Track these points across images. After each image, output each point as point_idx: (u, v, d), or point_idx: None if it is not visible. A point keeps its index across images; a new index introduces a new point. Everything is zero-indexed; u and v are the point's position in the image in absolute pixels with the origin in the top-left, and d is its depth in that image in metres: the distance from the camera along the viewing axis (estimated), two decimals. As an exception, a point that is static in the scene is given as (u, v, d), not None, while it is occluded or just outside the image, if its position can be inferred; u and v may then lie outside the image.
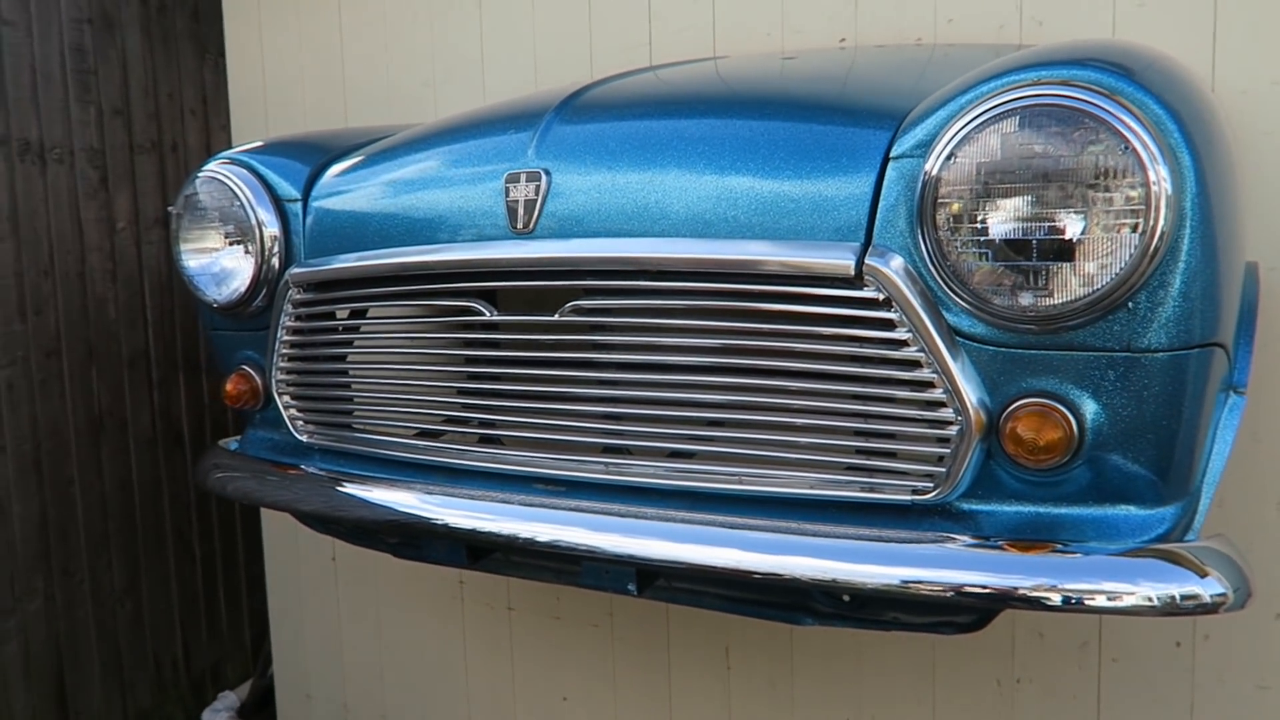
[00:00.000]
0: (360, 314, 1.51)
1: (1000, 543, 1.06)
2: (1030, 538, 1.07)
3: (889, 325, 1.06)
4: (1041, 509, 1.08)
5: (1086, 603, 1.00)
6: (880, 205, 1.08)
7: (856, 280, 1.06)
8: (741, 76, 1.50)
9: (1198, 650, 1.62)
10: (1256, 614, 1.57)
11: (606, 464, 1.26)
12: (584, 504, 1.24)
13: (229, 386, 1.63)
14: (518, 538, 1.25)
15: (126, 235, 2.81)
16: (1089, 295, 0.97)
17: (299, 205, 1.54)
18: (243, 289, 1.55)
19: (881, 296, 1.06)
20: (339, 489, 1.48)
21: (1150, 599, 0.98)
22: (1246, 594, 1.00)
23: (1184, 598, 0.98)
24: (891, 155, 1.08)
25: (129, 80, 2.82)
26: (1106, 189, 0.95)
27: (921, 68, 1.44)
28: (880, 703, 1.88)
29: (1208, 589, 0.98)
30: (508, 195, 1.27)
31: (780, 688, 1.97)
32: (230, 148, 2.77)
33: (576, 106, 1.33)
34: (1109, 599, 0.99)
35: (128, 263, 2.81)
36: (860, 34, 1.77)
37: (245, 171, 1.56)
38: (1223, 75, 1.49)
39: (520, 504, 1.28)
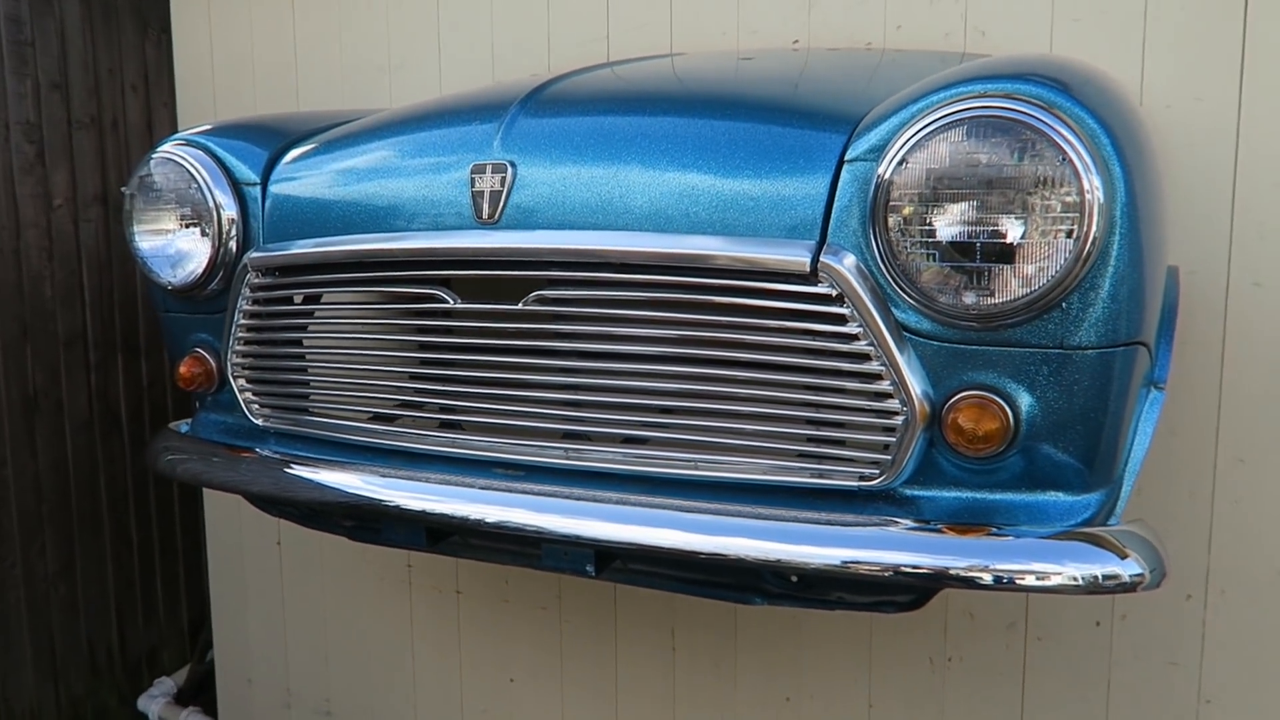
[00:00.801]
0: (317, 299, 1.52)
1: (939, 526, 1.13)
2: (967, 521, 1.14)
3: (841, 320, 1.12)
4: (978, 494, 1.15)
5: (1018, 582, 1.08)
6: (835, 205, 1.13)
7: (811, 276, 1.12)
8: (702, 76, 1.54)
9: (1115, 629, 1.73)
10: (1170, 595, 1.68)
11: (566, 449, 1.30)
12: (543, 488, 1.28)
13: (182, 369, 1.63)
14: (477, 520, 1.28)
15: (64, 213, 2.75)
16: (1027, 295, 1.04)
17: (258, 189, 1.54)
18: (199, 272, 1.55)
19: (835, 292, 1.11)
20: (288, 470, 1.49)
21: (1075, 578, 1.06)
22: (1162, 574, 1.09)
23: (1105, 577, 1.06)
24: (846, 158, 1.14)
25: (67, 54, 2.75)
26: (1044, 197, 1.02)
27: (872, 73, 1.50)
28: (819, 680, 1.95)
29: (1127, 569, 1.06)
30: (473, 186, 1.30)
31: (724, 667, 2.03)
32: (174, 126, 2.74)
33: (541, 100, 1.36)
34: (1038, 578, 1.07)
35: (65, 241, 2.75)
36: (813, 36, 1.82)
37: (202, 154, 1.56)
38: (1150, 90, 1.59)
39: (480, 487, 1.31)
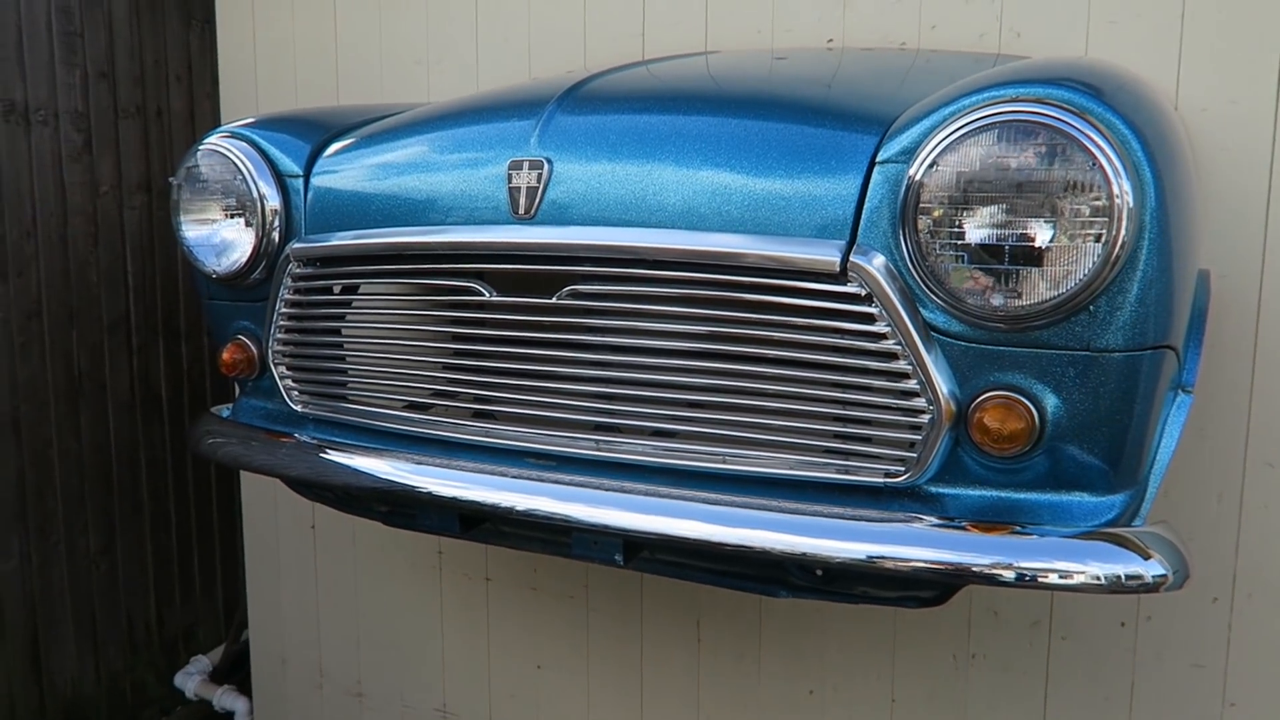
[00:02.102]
0: (356, 289, 1.56)
1: (963, 523, 1.15)
2: (992, 520, 1.16)
3: (870, 319, 1.14)
4: (1002, 493, 1.16)
5: (1040, 580, 1.09)
6: (865, 206, 1.15)
7: (841, 276, 1.14)
8: (736, 75, 1.56)
9: (1140, 630, 1.73)
10: (1195, 597, 1.68)
11: (597, 441, 1.33)
12: (573, 478, 1.31)
13: (225, 355, 1.67)
14: (510, 508, 1.32)
15: (109, 199, 2.82)
16: (1055, 298, 1.05)
17: (300, 181, 1.58)
18: (242, 261, 1.59)
19: (864, 292, 1.13)
20: (324, 456, 1.53)
21: (1098, 578, 1.07)
22: (1185, 576, 1.10)
23: (1128, 577, 1.07)
24: (878, 160, 1.15)
25: (114, 43, 2.81)
26: (1074, 201, 1.03)
27: (906, 74, 1.51)
28: (842, 675, 1.97)
29: (1150, 570, 1.07)
30: (510, 181, 1.33)
31: (748, 660, 2.06)
32: (216, 116, 2.79)
33: (578, 98, 1.39)
34: (1061, 577, 1.09)
35: (110, 227, 2.82)
36: (848, 35, 1.83)
37: (247, 145, 1.60)
38: (1186, 93, 1.58)
39: (511, 476, 1.35)
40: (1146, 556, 1.08)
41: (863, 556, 1.13)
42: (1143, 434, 1.14)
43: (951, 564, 1.11)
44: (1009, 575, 1.09)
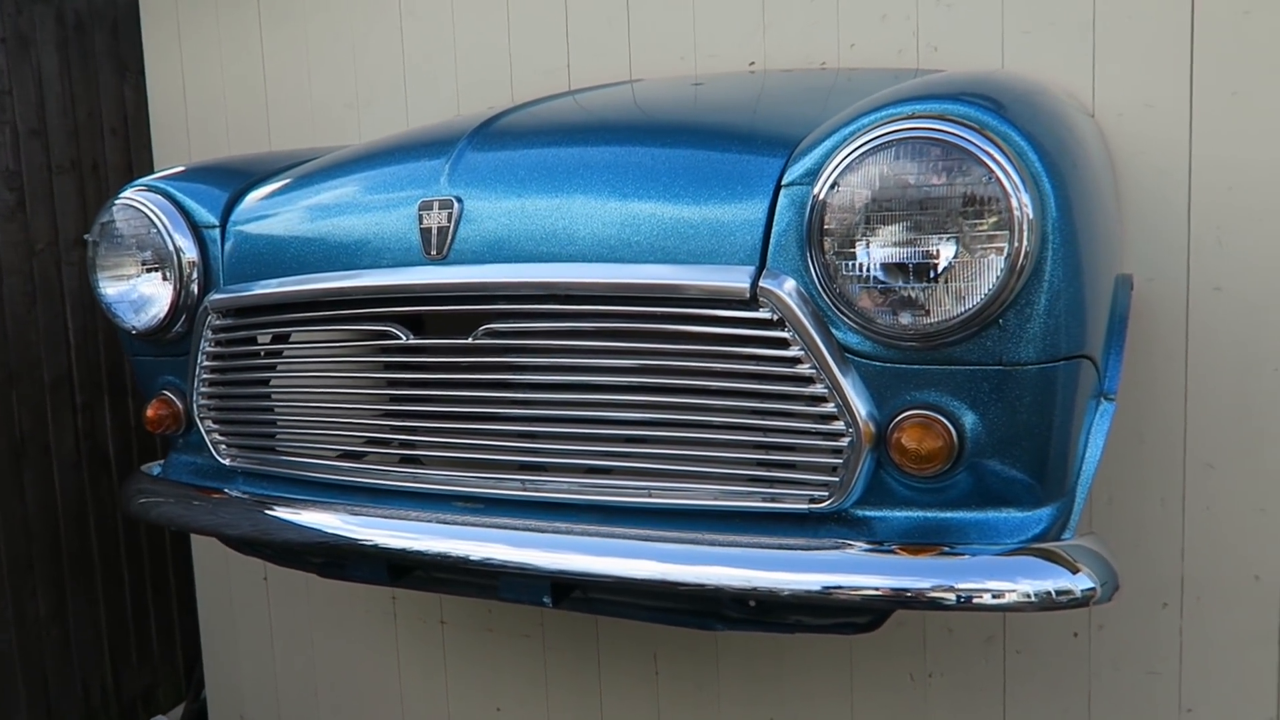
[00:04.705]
0: (282, 338, 1.53)
1: (892, 546, 1.13)
2: (920, 541, 1.14)
3: (783, 344, 1.12)
4: (929, 513, 1.15)
5: (974, 601, 1.07)
6: (774, 230, 1.14)
7: (751, 302, 1.12)
8: (650, 103, 1.56)
9: (1093, 640, 1.71)
10: (1146, 603, 1.67)
11: (523, 481, 1.30)
12: (501, 520, 1.28)
13: (150, 412, 1.64)
14: (439, 555, 1.29)
15: (46, 257, 2.77)
16: (962, 314, 1.04)
17: (217, 231, 1.56)
18: (161, 315, 1.56)
19: (775, 317, 1.12)
20: (267, 512, 1.50)
21: (1029, 595, 1.06)
22: (1114, 588, 1.08)
23: (1058, 593, 1.06)
24: (783, 183, 1.14)
25: (45, 99, 2.78)
26: (974, 216, 1.02)
27: (825, 94, 1.51)
28: (802, 700, 1.94)
29: (1079, 584, 1.06)
30: (421, 222, 1.31)
31: (707, 690, 2.02)
32: (153, 168, 2.76)
33: (489, 134, 1.37)
34: (994, 597, 1.07)
35: (48, 285, 2.77)
36: (769, 58, 1.83)
37: (162, 198, 1.57)
38: (1102, 99, 1.59)
39: (439, 522, 1.32)
40: (1075, 571, 1.07)
41: (806, 587, 1.11)
42: (1065, 445, 1.13)
43: (888, 590, 1.09)
44: (947, 598, 1.08)
